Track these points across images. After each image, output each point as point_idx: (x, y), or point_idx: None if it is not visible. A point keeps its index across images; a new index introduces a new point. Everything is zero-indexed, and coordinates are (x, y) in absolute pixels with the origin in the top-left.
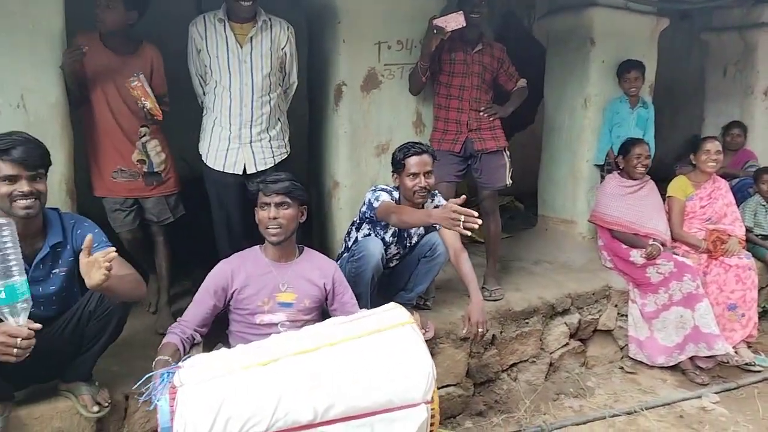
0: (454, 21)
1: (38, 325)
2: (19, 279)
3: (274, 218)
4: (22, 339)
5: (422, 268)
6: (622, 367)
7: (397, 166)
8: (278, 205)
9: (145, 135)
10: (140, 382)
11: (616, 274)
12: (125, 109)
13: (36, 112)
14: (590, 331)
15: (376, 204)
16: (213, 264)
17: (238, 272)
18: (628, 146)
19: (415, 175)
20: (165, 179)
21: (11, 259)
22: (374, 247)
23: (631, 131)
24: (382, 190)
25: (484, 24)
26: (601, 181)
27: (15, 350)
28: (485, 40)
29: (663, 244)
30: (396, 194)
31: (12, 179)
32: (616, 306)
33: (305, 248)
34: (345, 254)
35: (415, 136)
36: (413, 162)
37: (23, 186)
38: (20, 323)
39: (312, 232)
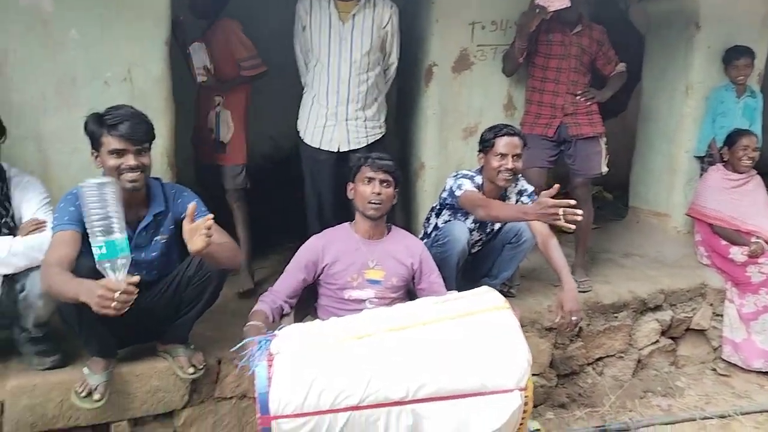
0: (558, 1)
1: (137, 278)
2: (120, 236)
3: (378, 194)
4: (120, 293)
5: (507, 255)
6: (714, 369)
7: (485, 144)
8: (382, 182)
9: (219, 105)
10: (237, 347)
11: (713, 272)
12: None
13: (141, 86)
14: (682, 329)
15: (458, 192)
16: (297, 239)
17: (328, 247)
18: (734, 137)
19: (503, 155)
20: (228, 151)
21: (112, 217)
22: (460, 232)
23: (737, 121)
24: (464, 176)
25: (584, 4)
26: (701, 174)
27: (113, 303)
28: (585, 22)
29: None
30: (479, 179)
31: (119, 153)
32: (711, 305)
33: (393, 227)
34: (426, 240)
35: (506, 118)
36: (503, 142)
37: (130, 160)
38: (119, 279)
39: (395, 214)
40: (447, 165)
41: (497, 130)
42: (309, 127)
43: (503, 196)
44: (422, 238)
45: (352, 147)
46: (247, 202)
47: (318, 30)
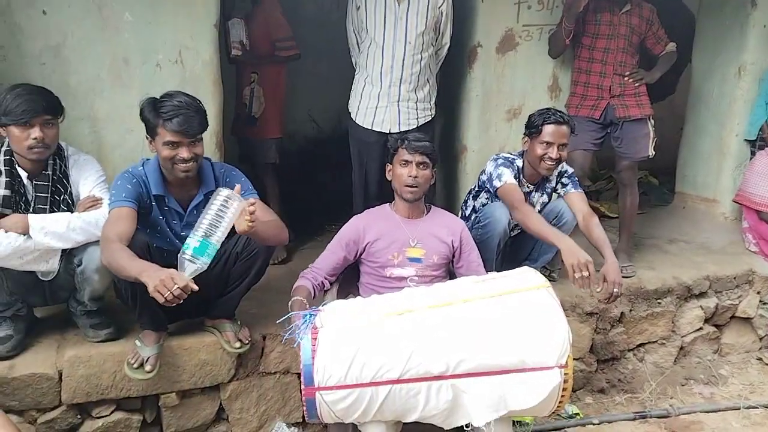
0: None
1: (196, 288)
2: (216, 244)
3: (414, 177)
4: (180, 288)
5: None
6: (760, 358)
7: (532, 130)
8: (419, 164)
9: (253, 81)
10: (282, 319)
11: (761, 259)
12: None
13: (191, 69)
14: (727, 317)
15: (497, 183)
16: (336, 217)
17: (370, 227)
18: None
19: (549, 144)
20: (259, 124)
21: (220, 227)
22: (501, 213)
23: None
24: (505, 163)
25: None
26: (752, 158)
27: (167, 294)
28: (634, 0)
29: None
30: (519, 162)
31: (174, 145)
32: (758, 293)
33: (432, 207)
34: (465, 223)
35: (550, 101)
36: (550, 130)
37: (183, 152)
38: (188, 274)
39: (435, 195)
40: (489, 148)
41: (546, 117)
42: (361, 108)
43: (543, 176)
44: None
45: (403, 128)
46: (277, 175)
47: (373, 10)
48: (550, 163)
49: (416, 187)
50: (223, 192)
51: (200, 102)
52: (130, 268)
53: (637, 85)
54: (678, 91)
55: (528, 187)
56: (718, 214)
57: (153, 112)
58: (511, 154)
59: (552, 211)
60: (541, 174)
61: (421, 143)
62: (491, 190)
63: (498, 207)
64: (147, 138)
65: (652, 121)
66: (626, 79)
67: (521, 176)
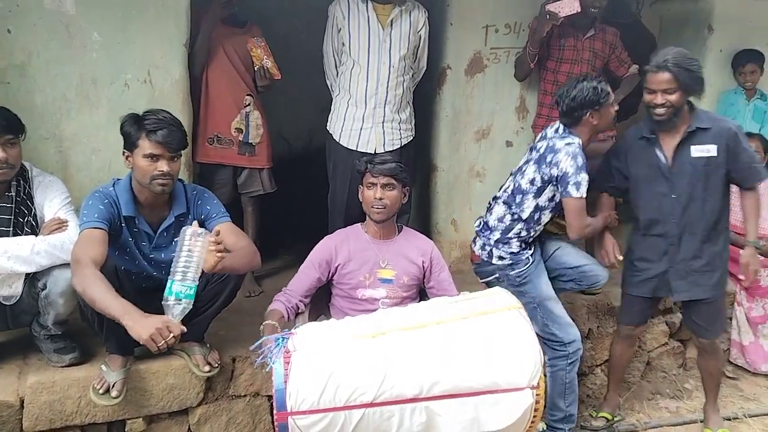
0: (569, 6)
1: (185, 329)
2: (194, 283)
3: (380, 198)
4: (173, 336)
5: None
6: (723, 372)
7: (600, 101)
8: (384, 186)
9: (249, 104)
10: (255, 345)
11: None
12: (235, 75)
13: (161, 88)
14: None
15: (575, 193)
16: (309, 237)
17: (341, 248)
18: None
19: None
20: (257, 153)
21: (192, 263)
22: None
23: (747, 124)
24: (583, 162)
25: (598, 9)
26: None
27: (162, 343)
28: (598, 25)
29: None
30: (578, 141)
31: (154, 158)
32: None
33: (404, 227)
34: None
35: (518, 121)
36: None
37: (163, 166)
38: (176, 317)
39: (410, 213)
40: (458, 167)
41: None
42: (345, 130)
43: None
44: (504, 229)
45: (387, 149)
46: (260, 207)
47: (357, 33)
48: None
49: (383, 208)
50: (188, 231)
51: (181, 123)
52: (111, 308)
53: None
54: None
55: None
56: None
57: (135, 125)
58: (569, 138)
59: (585, 277)
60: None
61: (385, 165)
62: (561, 192)
63: (602, 270)
64: (124, 153)
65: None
66: None
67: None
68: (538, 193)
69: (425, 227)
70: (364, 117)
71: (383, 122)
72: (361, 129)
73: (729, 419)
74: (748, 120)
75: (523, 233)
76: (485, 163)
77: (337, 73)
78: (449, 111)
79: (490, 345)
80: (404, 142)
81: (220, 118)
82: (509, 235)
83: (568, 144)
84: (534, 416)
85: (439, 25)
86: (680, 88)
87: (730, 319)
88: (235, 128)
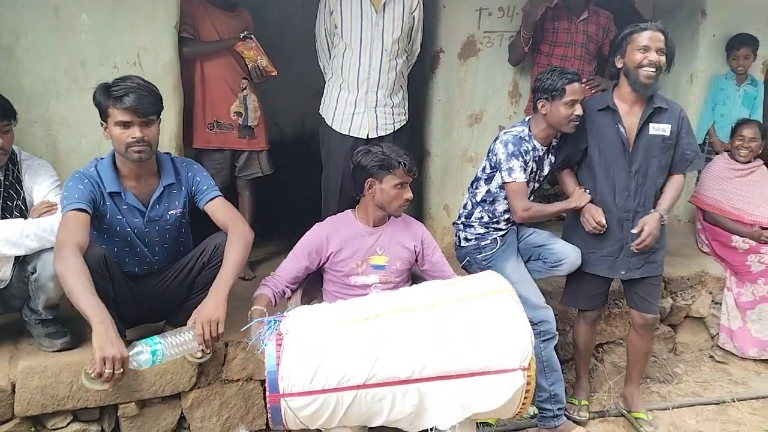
0: None
1: (121, 381)
2: (163, 359)
3: (408, 199)
4: (115, 374)
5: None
6: (712, 356)
7: (554, 93)
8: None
9: (246, 88)
10: (245, 328)
11: (713, 260)
12: (230, 60)
13: (151, 71)
14: (681, 316)
15: (507, 178)
16: (301, 222)
17: (333, 236)
18: (735, 126)
19: (574, 102)
20: (257, 135)
21: (177, 353)
22: (576, 256)
23: (736, 110)
24: (515, 150)
25: None
26: (706, 162)
27: (107, 372)
28: (592, 8)
29: None
30: (526, 132)
31: (125, 125)
32: (710, 293)
33: None
34: (472, 216)
35: (511, 106)
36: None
37: (136, 132)
38: (132, 363)
39: None
40: (451, 152)
41: (567, 78)
42: (337, 114)
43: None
44: (466, 214)
45: (380, 133)
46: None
47: (349, 16)
48: (576, 121)
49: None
50: (190, 334)
51: (155, 87)
52: (84, 306)
53: (593, 91)
54: None
55: (541, 151)
56: (672, 216)
57: (105, 93)
58: (514, 128)
59: (551, 254)
60: (563, 131)
61: (414, 167)
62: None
63: (571, 249)
64: (102, 125)
65: None
66: (584, 85)
67: (533, 141)
68: (489, 179)
69: (418, 212)
70: (356, 101)
71: (376, 107)
72: (353, 113)
73: (717, 403)
74: (738, 105)
75: (485, 218)
76: (478, 148)
77: (330, 56)
78: (442, 95)
79: (481, 327)
80: (397, 126)
81: (219, 104)
82: (471, 219)
83: (506, 132)
84: (525, 397)
85: (431, 7)
86: (666, 53)
87: (720, 304)
88: (234, 112)
